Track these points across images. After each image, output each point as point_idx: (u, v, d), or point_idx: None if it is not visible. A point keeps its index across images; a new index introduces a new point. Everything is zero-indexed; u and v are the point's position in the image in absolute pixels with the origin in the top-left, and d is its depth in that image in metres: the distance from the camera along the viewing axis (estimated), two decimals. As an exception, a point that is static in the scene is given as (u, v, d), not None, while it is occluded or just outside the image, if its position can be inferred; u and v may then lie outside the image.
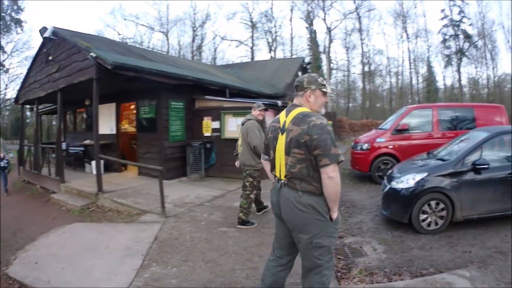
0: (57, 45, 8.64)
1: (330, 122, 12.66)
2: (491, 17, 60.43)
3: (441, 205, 5.28)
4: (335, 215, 2.50)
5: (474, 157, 5.56)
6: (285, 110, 2.76)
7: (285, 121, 2.63)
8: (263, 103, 9.49)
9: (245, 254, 4.24)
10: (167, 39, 46.06)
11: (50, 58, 8.89)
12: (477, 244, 4.91)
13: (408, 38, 48.35)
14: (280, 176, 2.61)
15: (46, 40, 8.91)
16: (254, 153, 5.59)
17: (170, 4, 61.48)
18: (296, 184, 2.50)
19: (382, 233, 5.39)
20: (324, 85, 2.70)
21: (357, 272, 3.92)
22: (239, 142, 5.83)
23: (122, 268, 3.73)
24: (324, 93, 2.71)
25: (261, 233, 5.05)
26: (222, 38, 48.22)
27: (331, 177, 2.36)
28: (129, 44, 28.82)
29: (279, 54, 47.23)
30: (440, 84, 46.18)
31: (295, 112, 2.61)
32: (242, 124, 5.90)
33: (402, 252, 4.60)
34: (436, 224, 5.30)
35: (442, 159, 5.82)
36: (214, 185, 8.46)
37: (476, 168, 5.42)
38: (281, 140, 2.59)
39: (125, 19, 45.00)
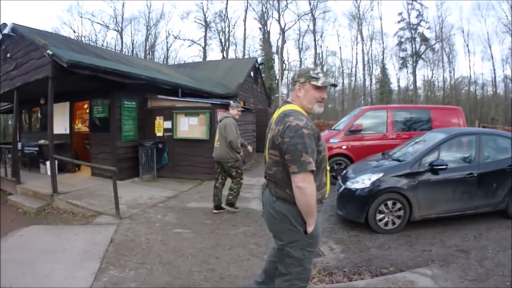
0: (15, 42, 8.29)
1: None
2: (450, 21, 63.40)
3: (398, 205, 5.39)
4: (310, 228, 2.29)
5: (431, 157, 5.71)
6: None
7: (272, 118, 2.52)
8: (216, 103, 9.63)
9: (202, 256, 4.30)
10: (121, 38, 45.21)
11: (8, 55, 8.49)
12: (436, 243, 5.06)
13: (363, 40, 50.02)
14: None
15: (4, 37, 8.50)
16: (231, 147, 6.11)
17: (126, 3, 60.02)
18: (271, 188, 2.41)
19: (338, 233, 5.48)
20: (314, 77, 2.39)
21: (316, 272, 3.95)
22: (217, 137, 6.34)
23: (81, 272, 3.71)
24: (316, 87, 2.39)
25: (216, 234, 5.12)
26: (176, 37, 47.80)
27: (299, 187, 2.15)
28: (84, 42, 27.82)
29: (231, 55, 47.45)
30: (394, 86, 47.76)
31: (281, 109, 2.44)
32: (220, 121, 6.41)
33: (360, 252, 4.67)
34: (394, 223, 5.41)
35: (398, 160, 6.00)
36: (167, 186, 8.47)
37: (433, 168, 5.56)
38: (267, 138, 2.48)
39: (81, 17, 43.39)
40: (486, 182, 5.87)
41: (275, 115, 2.47)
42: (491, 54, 47.96)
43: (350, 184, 5.77)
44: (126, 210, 6.19)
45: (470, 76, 49.80)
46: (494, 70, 47.80)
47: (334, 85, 2.43)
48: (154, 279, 3.68)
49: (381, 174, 5.55)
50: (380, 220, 5.40)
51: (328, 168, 2.46)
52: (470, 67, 64.72)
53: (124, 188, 7.58)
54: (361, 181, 5.62)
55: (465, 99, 46.89)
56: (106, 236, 4.89)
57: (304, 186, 2.15)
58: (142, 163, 9.24)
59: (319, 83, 2.37)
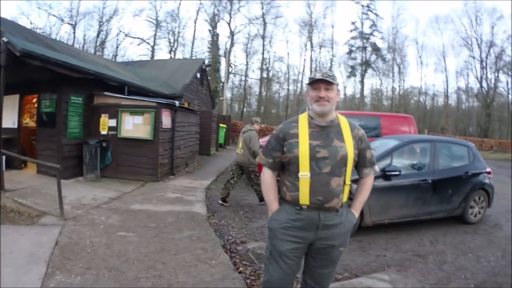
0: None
1: (224, 125, 13.40)
2: (405, 32, 66.33)
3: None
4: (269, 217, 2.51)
5: (383, 164, 5.78)
6: None
7: None
8: (162, 103, 9.58)
9: (148, 261, 4.28)
10: (74, 32, 43.88)
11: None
12: (391, 248, 5.14)
13: (312, 47, 51.34)
14: None
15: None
16: (253, 155, 7.33)
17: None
18: None
19: None
20: (311, 78, 2.37)
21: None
22: (240, 145, 7.56)
23: (28, 277, 3.65)
24: (311, 87, 2.40)
25: (161, 238, 5.11)
26: (126, 35, 46.88)
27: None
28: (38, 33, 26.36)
29: (179, 55, 47.16)
30: (340, 93, 50.25)
31: None
32: (244, 132, 7.65)
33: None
34: None
35: None
36: (110, 186, 8.33)
37: (386, 174, 5.63)
38: None
39: (39, 8, 41.60)
40: (441, 188, 6.04)
41: None
42: (445, 66, 51.51)
43: None
44: (70, 211, 6.06)
45: (421, 86, 53.08)
46: (447, 81, 51.27)
47: (329, 81, 2.32)
48: (101, 285, 3.64)
49: None
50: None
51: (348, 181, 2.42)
52: (421, 78, 69.15)
53: (68, 188, 7.36)
54: None
55: (415, 109, 49.69)
56: (51, 238, 4.79)
57: (261, 175, 2.60)
58: (86, 162, 8.97)
59: (309, 81, 2.39)
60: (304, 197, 2.31)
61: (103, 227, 5.47)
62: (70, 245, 4.63)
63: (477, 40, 47.43)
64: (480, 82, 48.13)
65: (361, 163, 2.55)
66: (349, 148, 2.36)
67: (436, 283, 4.00)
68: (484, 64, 47.35)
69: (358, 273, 4.27)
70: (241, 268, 4.28)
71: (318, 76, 2.33)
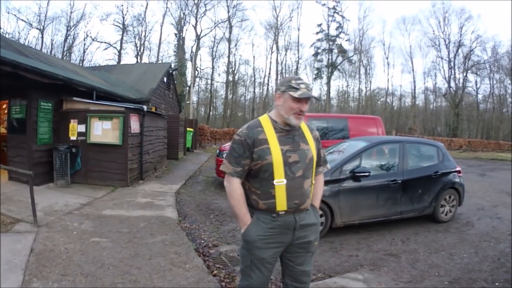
0: None
1: (191, 129, 13.34)
2: (372, 34, 66.87)
3: (319, 212, 4.97)
4: (241, 230, 2.43)
5: (353, 165, 5.77)
6: None
7: None
8: (130, 107, 9.59)
9: (123, 266, 4.29)
10: (42, 37, 42.78)
11: None
12: (363, 248, 5.17)
13: (278, 50, 51.52)
14: None
15: None
16: None
17: (51, 2, 55.50)
18: None
19: None
20: (294, 87, 2.30)
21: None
22: None
23: (6, 285, 3.66)
24: (294, 98, 2.30)
25: (135, 243, 5.12)
26: (93, 40, 46.05)
27: (224, 186, 2.46)
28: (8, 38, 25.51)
29: (145, 59, 46.83)
30: (306, 95, 50.46)
31: None
32: None
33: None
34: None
35: None
36: (81, 192, 8.29)
37: (355, 175, 5.60)
38: None
39: (8, 12, 40.49)
40: (411, 188, 6.05)
41: None
42: (412, 67, 52.28)
43: None
44: (43, 217, 6.04)
45: (388, 87, 53.62)
46: (415, 82, 51.94)
47: (316, 99, 2.36)
48: (79, 291, 3.63)
49: None
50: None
51: None
52: (388, 79, 69.85)
53: (40, 194, 7.21)
54: None
55: (381, 110, 50.15)
56: (26, 245, 4.79)
57: (225, 185, 2.43)
58: (56, 168, 8.86)
59: (296, 94, 2.29)
60: (281, 204, 2.31)
61: (76, 233, 5.47)
62: (45, 252, 4.62)
63: (445, 40, 48.23)
64: (448, 82, 48.87)
65: (317, 162, 2.56)
66: (313, 150, 2.44)
67: (410, 281, 4.05)
68: (452, 64, 48.28)
69: (331, 273, 4.31)
70: (215, 271, 4.35)
71: (303, 90, 2.30)
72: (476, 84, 49.22)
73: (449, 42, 48.21)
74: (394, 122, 50.13)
